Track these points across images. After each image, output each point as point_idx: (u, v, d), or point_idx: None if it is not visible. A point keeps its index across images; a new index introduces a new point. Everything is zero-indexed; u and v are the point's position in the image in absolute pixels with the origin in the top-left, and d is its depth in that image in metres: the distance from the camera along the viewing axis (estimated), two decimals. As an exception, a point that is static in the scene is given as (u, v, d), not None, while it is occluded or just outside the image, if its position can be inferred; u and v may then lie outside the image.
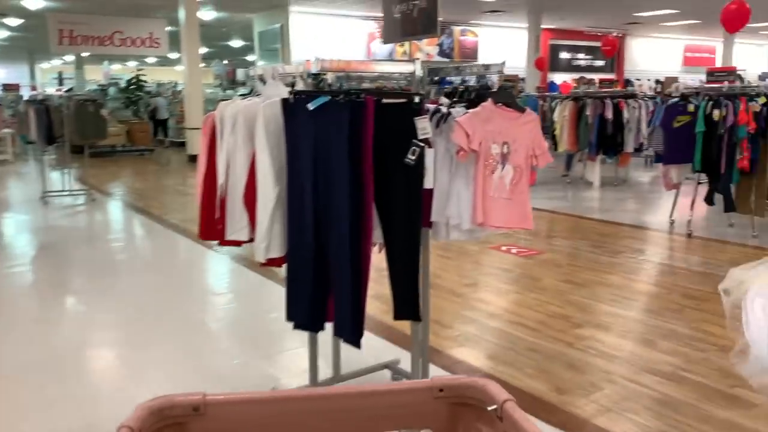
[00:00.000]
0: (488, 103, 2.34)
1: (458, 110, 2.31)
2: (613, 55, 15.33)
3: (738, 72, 7.40)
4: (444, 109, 2.31)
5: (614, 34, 23.44)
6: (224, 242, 2.42)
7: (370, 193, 2.09)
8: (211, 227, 2.43)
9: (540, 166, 2.46)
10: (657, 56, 23.96)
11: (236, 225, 2.32)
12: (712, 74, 6.41)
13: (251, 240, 2.34)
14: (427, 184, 2.21)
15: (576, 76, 22.22)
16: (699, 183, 6.49)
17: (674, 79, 17.53)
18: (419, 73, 2.40)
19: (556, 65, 23.29)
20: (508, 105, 2.38)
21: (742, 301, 1.25)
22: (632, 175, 10.96)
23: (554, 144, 10.42)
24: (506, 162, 2.36)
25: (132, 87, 18.75)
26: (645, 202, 8.57)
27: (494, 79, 2.72)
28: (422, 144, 2.11)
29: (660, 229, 6.75)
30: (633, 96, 9.88)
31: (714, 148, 5.99)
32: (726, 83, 6.07)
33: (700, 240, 6.20)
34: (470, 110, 2.31)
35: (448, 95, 2.39)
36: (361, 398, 1.08)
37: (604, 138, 9.70)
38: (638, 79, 19.18)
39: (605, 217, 7.48)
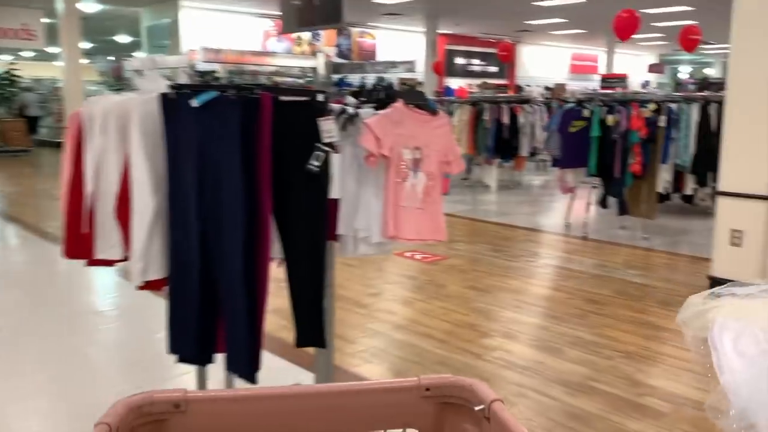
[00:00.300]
0: (399, 104, 2.13)
1: (366, 111, 2.08)
2: (509, 60, 15.71)
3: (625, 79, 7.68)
4: (351, 110, 2.07)
5: (507, 41, 24.21)
6: (93, 262, 2.07)
7: (267, 204, 1.82)
8: (78, 244, 2.07)
9: (453, 173, 2.28)
10: (546, 63, 24.96)
11: (107, 242, 1.98)
12: (605, 80, 6.57)
13: (125, 259, 2.00)
14: (333, 193, 1.97)
15: (471, 81, 22.78)
16: (593, 187, 6.65)
17: (563, 86, 18.27)
18: (322, 68, 2.16)
19: (452, 70, 23.71)
20: (419, 107, 2.18)
21: (708, 337, 1.11)
22: (526, 179, 11.22)
23: (453, 147, 10.49)
24: (419, 169, 2.16)
25: (3, 82, 17.22)
26: (540, 205, 8.75)
27: (394, 80, 2.51)
28: (327, 148, 1.87)
29: (556, 232, 6.86)
30: (528, 101, 10.08)
31: (608, 152, 6.14)
32: (618, 89, 6.24)
33: (594, 242, 6.33)
34: (380, 111, 2.08)
35: (354, 95, 2.16)
36: (346, 396, 1.05)
37: (501, 142, 9.85)
38: (528, 85, 19.84)
39: (504, 220, 7.53)
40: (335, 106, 2.02)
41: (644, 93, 6.39)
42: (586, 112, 6.24)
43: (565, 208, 7.26)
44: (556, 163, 6.59)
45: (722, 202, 4.28)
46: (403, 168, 2.12)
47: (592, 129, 6.09)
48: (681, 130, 6.81)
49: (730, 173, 4.23)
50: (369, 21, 18.51)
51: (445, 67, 23.10)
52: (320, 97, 1.88)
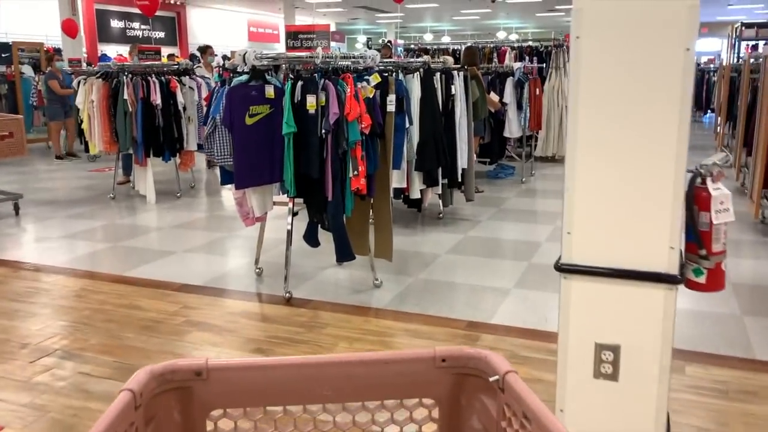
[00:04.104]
0: None
1: None
2: (152, 13, 12.42)
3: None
4: None
5: (172, 1, 20.72)
6: None
7: None
8: None
9: None
10: (221, 30, 22.09)
11: None
12: (295, 35, 3.97)
13: None
14: None
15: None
16: (294, 213, 4.02)
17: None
18: None
19: (108, 35, 19.83)
20: None
21: None
22: (205, 178, 8.32)
23: (85, 143, 7.12)
24: None
25: None
26: (219, 227, 5.90)
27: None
28: None
29: (243, 291, 4.13)
30: (188, 72, 7.11)
31: (312, 158, 3.56)
32: (319, 50, 3.66)
33: (304, 309, 3.76)
34: None
35: None
36: (363, 366, 1.06)
37: (155, 132, 6.75)
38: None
39: (159, 270, 4.56)
40: None
41: (355, 57, 3.92)
42: (269, 91, 3.57)
43: (256, 245, 4.58)
44: (227, 179, 3.81)
45: (573, 288, 1.97)
46: None
47: (284, 121, 3.44)
48: (407, 113, 4.60)
49: (587, 229, 1.92)
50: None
51: (96, 31, 19.07)
52: None
